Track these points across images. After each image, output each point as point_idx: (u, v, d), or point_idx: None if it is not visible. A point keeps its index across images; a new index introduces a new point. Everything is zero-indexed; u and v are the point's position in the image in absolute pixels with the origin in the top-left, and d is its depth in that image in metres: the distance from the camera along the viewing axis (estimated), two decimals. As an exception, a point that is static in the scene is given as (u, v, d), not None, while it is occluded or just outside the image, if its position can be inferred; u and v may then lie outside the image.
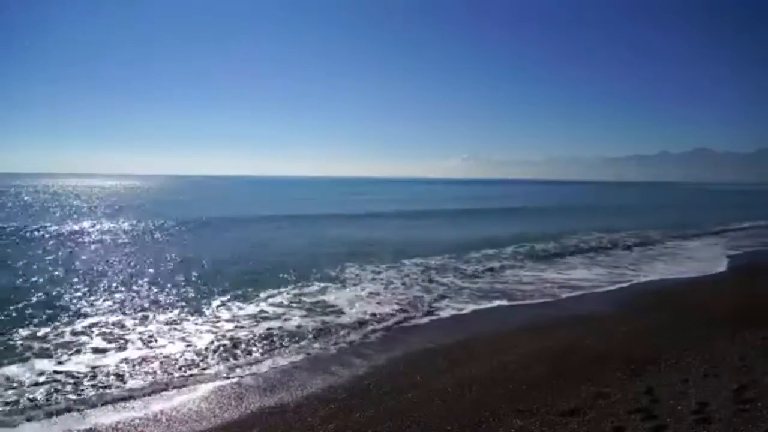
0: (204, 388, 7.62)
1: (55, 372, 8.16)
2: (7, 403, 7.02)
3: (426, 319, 11.53)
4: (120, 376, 8.04)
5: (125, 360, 8.78)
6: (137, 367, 8.43)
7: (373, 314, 11.89)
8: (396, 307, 12.61)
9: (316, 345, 9.71)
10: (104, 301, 12.80)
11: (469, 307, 12.65)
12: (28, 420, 6.61)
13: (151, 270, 17.10)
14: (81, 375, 8.06)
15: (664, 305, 12.40)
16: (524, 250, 21.99)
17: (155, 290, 14.07)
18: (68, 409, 6.89)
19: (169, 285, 14.68)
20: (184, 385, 7.72)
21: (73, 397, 7.30)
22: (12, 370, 8.21)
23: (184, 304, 12.61)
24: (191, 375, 8.16)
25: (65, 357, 8.84)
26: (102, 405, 7.04)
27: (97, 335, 10.02)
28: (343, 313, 12.03)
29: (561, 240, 25.81)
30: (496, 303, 13.15)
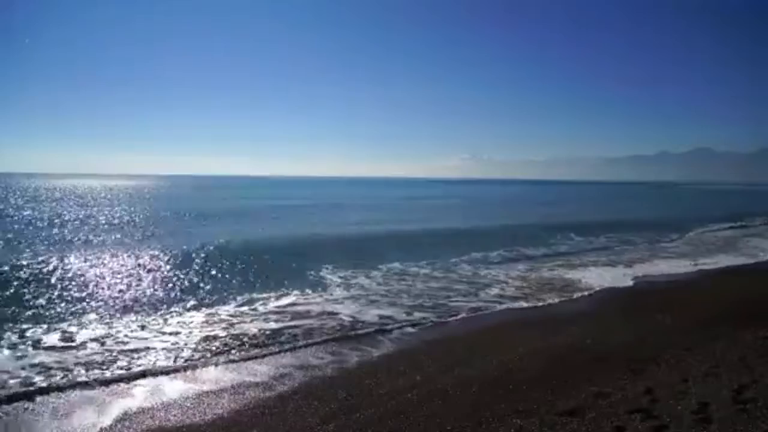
0: (202, 389, 7.62)
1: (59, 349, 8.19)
2: None
3: (426, 320, 11.54)
4: (117, 377, 8.07)
5: (122, 360, 8.80)
6: (134, 365, 8.46)
7: (373, 316, 11.93)
8: (396, 308, 12.64)
9: (315, 346, 9.72)
10: (113, 300, 12.85)
11: (468, 308, 12.66)
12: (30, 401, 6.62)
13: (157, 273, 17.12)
14: (78, 366, 8.10)
15: (664, 305, 12.39)
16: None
17: (157, 290, 14.12)
18: (62, 400, 6.93)
19: (168, 286, 14.71)
20: (181, 385, 7.74)
21: (70, 390, 7.33)
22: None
23: (183, 304, 12.65)
24: (189, 375, 8.17)
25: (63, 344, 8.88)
26: (100, 398, 7.06)
27: (95, 332, 10.06)
28: (343, 314, 12.05)
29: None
30: (495, 303, 13.16)
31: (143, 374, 8.15)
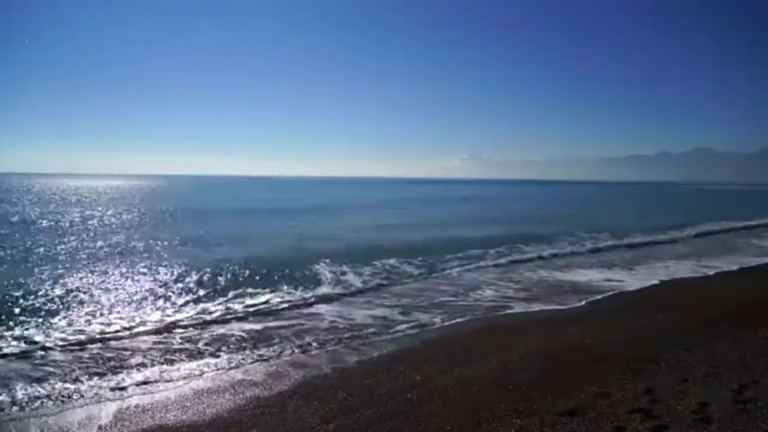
0: (202, 389, 7.62)
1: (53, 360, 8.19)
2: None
3: (427, 320, 11.53)
4: (119, 379, 8.07)
5: (121, 360, 8.80)
6: (133, 365, 8.46)
7: (373, 316, 11.93)
8: (395, 308, 12.64)
9: (315, 346, 9.71)
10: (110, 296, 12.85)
11: (468, 308, 12.66)
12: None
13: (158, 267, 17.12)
14: (78, 365, 8.10)
15: (664, 305, 12.39)
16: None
17: (154, 288, 14.12)
18: (63, 400, 6.93)
19: (164, 286, 14.70)
20: (180, 386, 7.74)
21: (71, 386, 7.34)
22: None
23: (179, 303, 12.65)
24: (188, 375, 8.17)
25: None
26: (99, 398, 7.06)
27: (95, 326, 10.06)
28: (342, 315, 12.05)
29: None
30: (494, 304, 13.15)
31: (142, 374, 8.16)
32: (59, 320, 10.99)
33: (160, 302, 12.81)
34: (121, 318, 11.28)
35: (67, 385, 7.66)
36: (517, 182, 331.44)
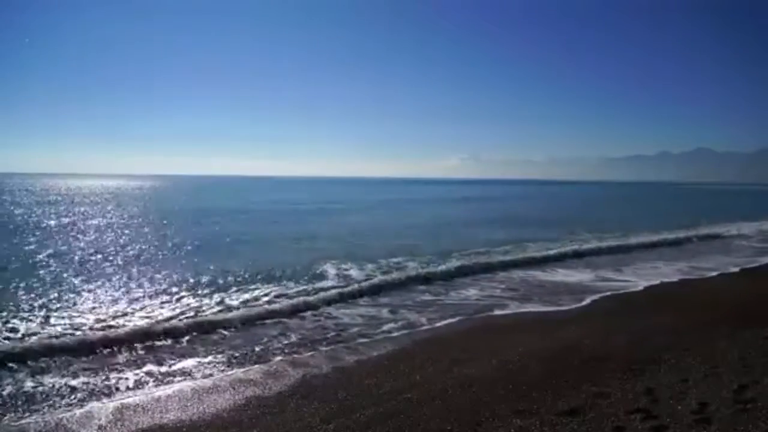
0: (202, 388, 7.61)
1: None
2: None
3: (426, 319, 11.53)
4: (116, 373, 8.07)
5: (119, 358, 8.80)
6: (133, 362, 8.46)
7: (373, 315, 11.92)
8: (394, 308, 12.64)
9: (316, 345, 9.71)
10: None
11: (469, 307, 12.65)
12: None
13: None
14: (77, 365, 8.09)
15: (663, 305, 12.40)
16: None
17: (152, 285, 14.14)
18: (62, 400, 6.93)
19: (162, 282, 14.72)
20: (179, 386, 7.73)
21: (70, 385, 7.34)
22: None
23: (176, 300, 12.65)
24: (187, 374, 8.17)
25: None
26: (98, 398, 7.06)
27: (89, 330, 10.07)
28: (342, 314, 12.04)
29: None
30: (494, 304, 13.15)
31: (141, 374, 8.16)
32: (58, 320, 10.98)
33: (160, 302, 12.78)
34: (120, 318, 11.27)
35: (66, 385, 7.65)
36: (517, 182, 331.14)
